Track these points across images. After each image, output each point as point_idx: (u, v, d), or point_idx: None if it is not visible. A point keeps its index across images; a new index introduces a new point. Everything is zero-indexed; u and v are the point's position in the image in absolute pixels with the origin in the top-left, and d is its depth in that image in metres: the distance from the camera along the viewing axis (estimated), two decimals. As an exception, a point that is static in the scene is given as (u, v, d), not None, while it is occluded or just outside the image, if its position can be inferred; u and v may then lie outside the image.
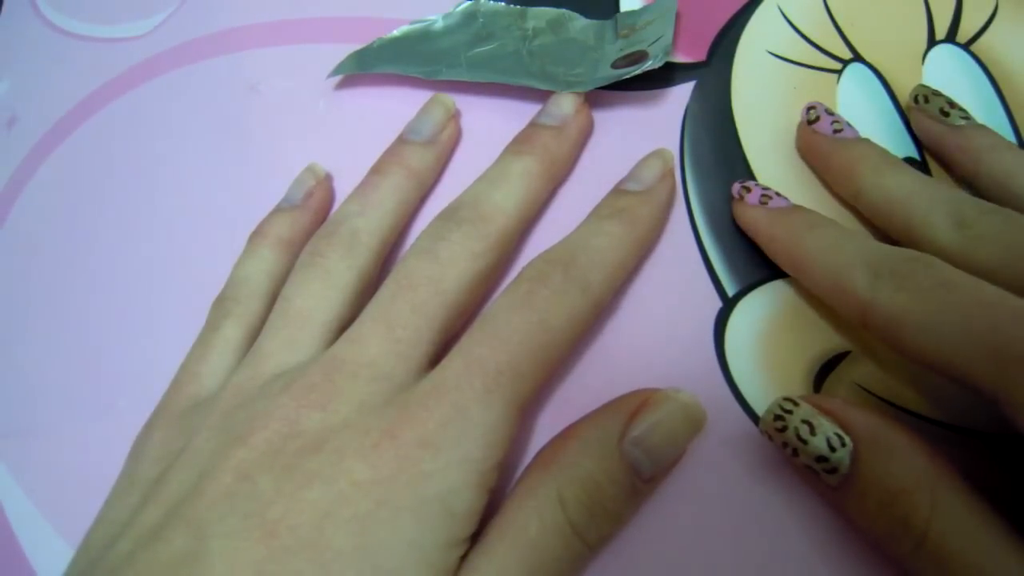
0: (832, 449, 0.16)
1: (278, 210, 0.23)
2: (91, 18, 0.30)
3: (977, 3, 0.24)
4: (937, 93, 0.21)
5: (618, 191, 0.21)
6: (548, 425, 0.20)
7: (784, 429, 0.16)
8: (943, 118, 0.21)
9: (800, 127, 0.22)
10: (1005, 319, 0.15)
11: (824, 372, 0.19)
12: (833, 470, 0.16)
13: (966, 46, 0.23)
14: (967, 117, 0.21)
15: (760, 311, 0.20)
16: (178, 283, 0.24)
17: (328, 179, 0.24)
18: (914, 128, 0.22)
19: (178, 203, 0.25)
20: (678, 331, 0.20)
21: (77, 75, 0.28)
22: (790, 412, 0.16)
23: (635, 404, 0.17)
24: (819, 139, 0.21)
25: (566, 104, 0.23)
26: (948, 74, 0.23)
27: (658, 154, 0.22)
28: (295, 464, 0.16)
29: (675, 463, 0.18)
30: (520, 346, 0.17)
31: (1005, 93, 0.22)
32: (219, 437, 0.17)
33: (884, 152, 0.21)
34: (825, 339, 0.20)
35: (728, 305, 0.21)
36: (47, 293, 0.24)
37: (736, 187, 0.21)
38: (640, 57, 0.23)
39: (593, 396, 0.20)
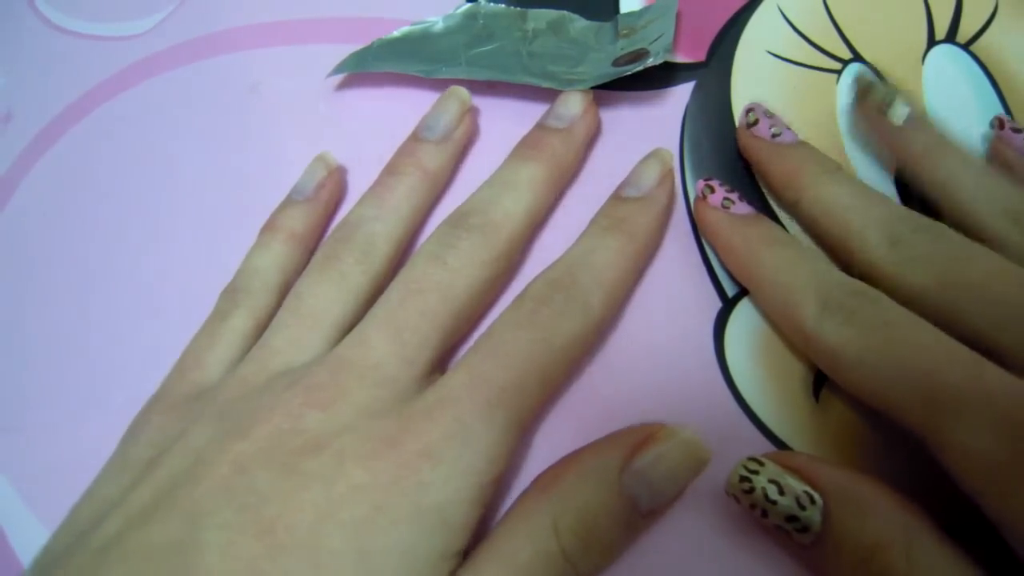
0: (802, 508, 0.15)
1: (290, 202, 0.23)
2: (89, 16, 0.30)
3: (977, 3, 0.24)
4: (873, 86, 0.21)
5: (617, 198, 0.21)
6: (544, 430, 0.19)
7: (751, 491, 0.16)
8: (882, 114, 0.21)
9: (739, 130, 0.22)
10: (940, 364, 0.16)
11: (823, 372, 0.19)
12: (805, 529, 0.15)
13: (966, 46, 0.23)
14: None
15: (760, 311, 0.20)
16: (173, 281, 0.24)
17: (340, 170, 0.24)
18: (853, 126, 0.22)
19: (174, 203, 0.25)
20: (678, 331, 0.20)
21: (74, 73, 0.28)
22: (756, 472, 0.16)
23: (639, 437, 0.17)
24: (758, 144, 0.21)
25: (574, 104, 0.22)
26: (948, 74, 0.23)
27: (656, 155, 0.22)
28: (294, 463, 0.16)
29: (674, 499, 0.17)
30: (524, 364, 0.17)
31: (1005, 93, 0.22)
32: (218, 426, 0.17)
33: (823, 159, 0.20)
34: (825, 339, 0.20)
35: (728, 305, 0.21)
36: (42, 289, 0.24)
37: (700, 185, 0.21)
38: (641, 55, 0.23)
39: (591, 397, 0.20)
